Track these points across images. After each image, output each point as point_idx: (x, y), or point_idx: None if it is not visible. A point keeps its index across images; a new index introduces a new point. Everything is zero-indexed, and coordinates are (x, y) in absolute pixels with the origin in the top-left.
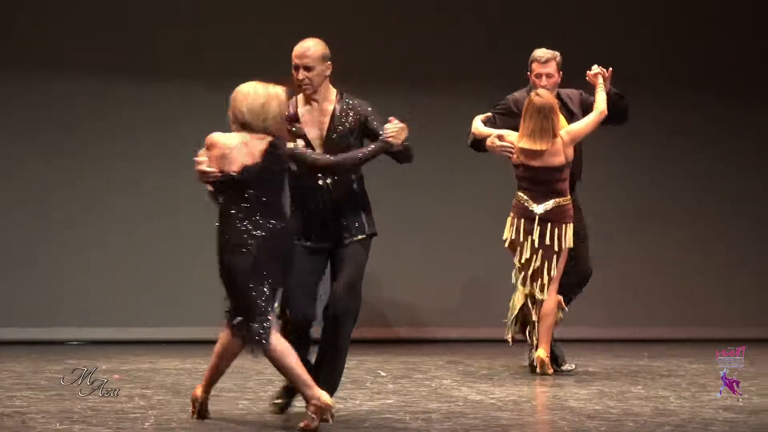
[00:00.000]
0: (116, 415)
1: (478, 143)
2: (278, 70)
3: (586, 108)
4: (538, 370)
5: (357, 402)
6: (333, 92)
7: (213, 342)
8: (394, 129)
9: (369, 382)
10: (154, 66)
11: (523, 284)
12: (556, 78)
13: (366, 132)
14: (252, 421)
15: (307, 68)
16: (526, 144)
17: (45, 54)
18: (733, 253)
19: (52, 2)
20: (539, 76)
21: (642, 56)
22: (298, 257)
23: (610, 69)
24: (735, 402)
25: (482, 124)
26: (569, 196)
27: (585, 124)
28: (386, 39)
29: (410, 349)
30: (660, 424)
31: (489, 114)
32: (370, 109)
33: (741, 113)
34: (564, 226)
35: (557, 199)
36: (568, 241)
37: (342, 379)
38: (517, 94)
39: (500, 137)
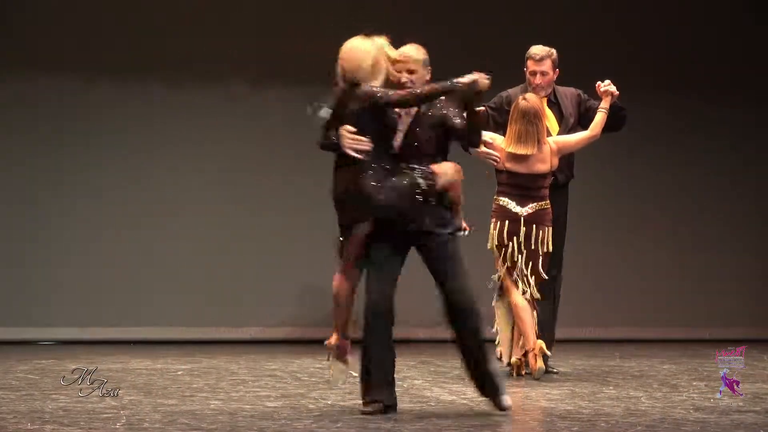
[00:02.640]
0: (88, 415)
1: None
2: (264, 68)
3: (586, 111)
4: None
5: (329, 402)
6: None
7: (184, 342)
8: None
9: (341, 382)
10: (142, 65)
11: (507, 288)
12: (552, 76)
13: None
14: (224, 421)
15: (411, 72)
16: (511, 148)
17: (31, 53)
18: (705, 254)
19: (34, 1)
20: (534, 73)
21: (628, 57)
22: None
23: (617, 93)
24: (705, 402)
25: None
26: (549, 201)
27: (576, 140)
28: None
29: None
30: (632, 424)
31: (482, 108)
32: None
33: (727, 114)
34: (546, 229)
35: (539, 203)
36: (549, 244)
37: (314, 379)
38: (511, 91)
39: (486, 143)
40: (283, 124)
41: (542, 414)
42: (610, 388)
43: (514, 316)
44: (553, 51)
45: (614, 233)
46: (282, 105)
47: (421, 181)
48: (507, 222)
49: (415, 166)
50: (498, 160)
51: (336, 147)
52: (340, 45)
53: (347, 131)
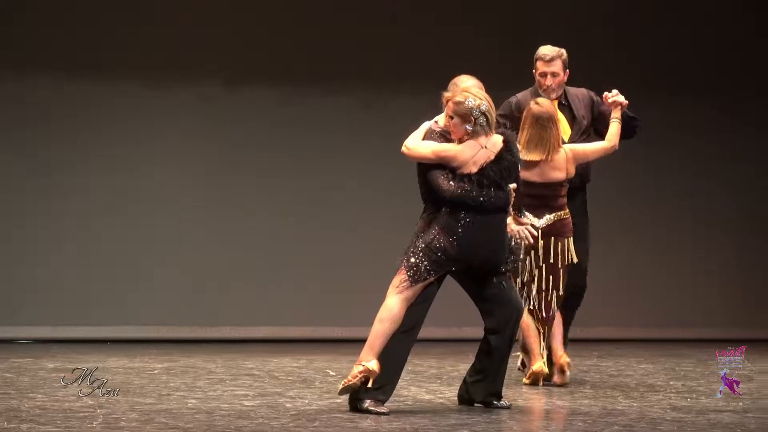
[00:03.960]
0: (64, 414)
1: None
2: (239, 68)
3: (598, 114)
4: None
5: (306, 401)
6: None
7: (161, 341)
8: None
9: (318, 382)
10: (118, 65)
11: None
12: (562, 77)
13: None
14: (201, 420)
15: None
16: (523, 155)
17: (9, 52)
18: (682, 254)
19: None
20: (544, 75)
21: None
22: None
23: (626, 103)
24: (682, 402)
25: None
26: (568, 210)
27: (592, 150)
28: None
29: (359, 348)
30: (609, 423)
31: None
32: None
33: (703, 114)
34: (566, 240)
35: (557, 213)
36: (572, 255)
37: (291, 378)
38: (520, 96)
39: None
40: (259, 125)
41: (519, 413)
42: (588, 387)
43: (523, 330)
44: (563, 51)
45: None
46: (257, 105)
47: None
48: None
49: None
50: None
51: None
52: (316, 45)
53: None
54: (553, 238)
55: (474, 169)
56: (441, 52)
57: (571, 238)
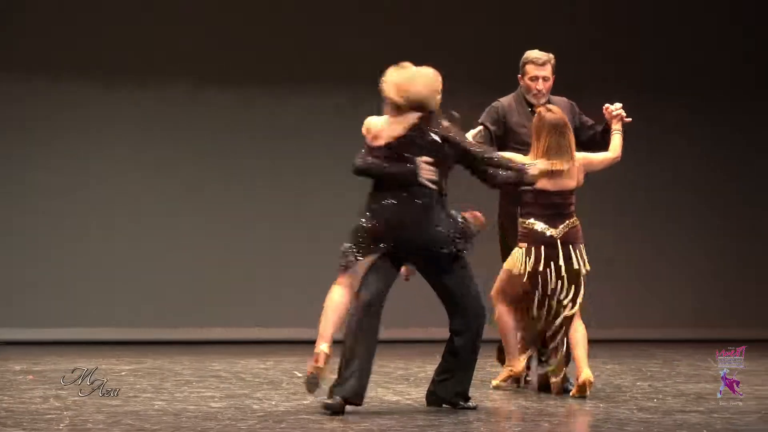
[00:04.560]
0: (31, 416)
1: None
2: (206, 69)
3: (580, 124)
4: (587, 391)
5: (273, 403)
6: None
7: (128, 342)
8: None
9: (285, 383)
10: (80, 66)
11: (539, 314)
12: (551, 82)
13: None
14: (168, 422)
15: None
16: (545, 164)
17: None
18: (650, 254)
19: None
20: (535, 79)
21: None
22: None
23: (628, 120)
24: (649, 402)
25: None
26: (576, 218)
27: (600, 160)
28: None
29: None
30: (575, 424)
31: (480, 129)
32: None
33: (675, 116)
34: (581, 246)
35: (570, 221)
36: (587, 263)
37: (258, 379)
38: (503, 101)
39: None
40: (224, 126)
41: (486, 414)
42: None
43: (501, 329)
44: (552, 55)
45: None
46: (222, 107)
47: None
48: (543, 247)
49: None
50: None
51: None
52: (283, 46)
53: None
54: (570, 246)
55: (382, 143)
56: (414, 53)
57: (584, 245)
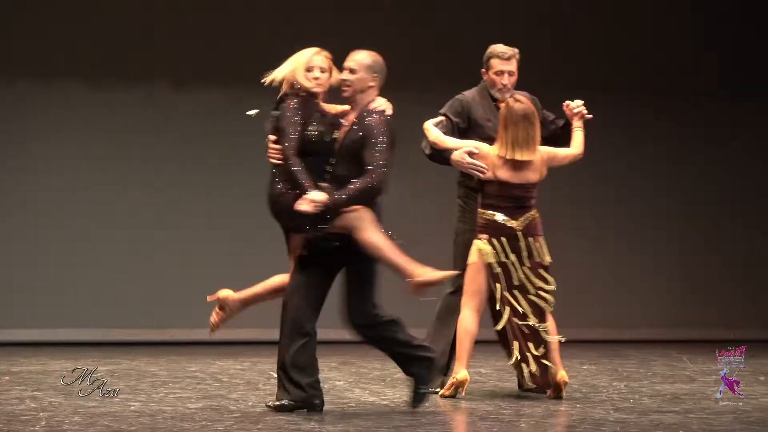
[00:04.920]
0: (7, 417)
1: (440, 155)
2: (187, 69)
3: (542, 119)
4: (563, 393)
5: (250, 403)
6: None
7: (104, 343)
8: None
9: (262, 384)
10: (63, 65)
11: (505, 307)
12: (516, 77)
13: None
14: (144, 423)
15: (351, 71)
16: (510, 155)
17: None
18: (626, 255)
19: None
20: (500, 73)
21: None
22: None
23: (589, 117)
24: (625, 403)
25: (440, 132)
26: (536, 210)
27: (563, 155)
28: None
29: None
30: (552, 424)
31: (441, 118)
32: (377, 133)
33: (646, 116)
34: (541, 239)
35: (530, 213)
36: (546, 254)
37: (235, 380)
38: (467, 94)
39: (470, 153)
40: (206, 125)
41: (463, 414)
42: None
43: (458, 334)
44: (517, 50)
45: None
46: (204, 106)
47: None
48: (504, 238)
49: None
50: (485, 171)
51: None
52: (264, 45)
53: None
54: (531, 238)
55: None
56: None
57: (543, 238)
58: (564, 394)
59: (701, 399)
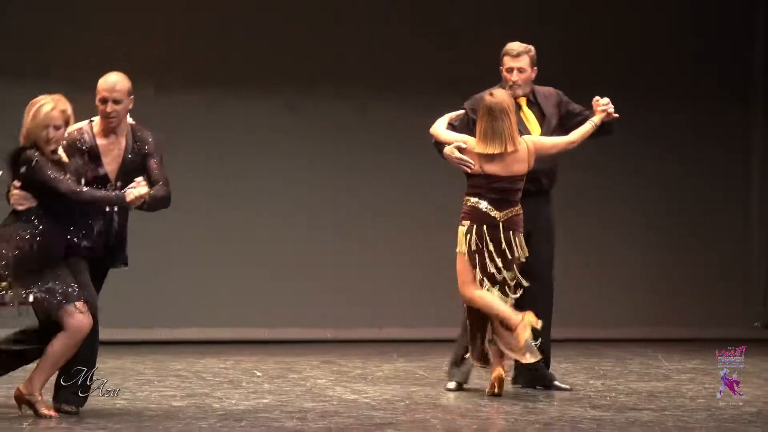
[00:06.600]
0: None
1: (440, 147)
2: (171, 71)
3: (566, 113)
4: (497, 390)
5: (233, 402)
6: (127, 126)
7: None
8: (136, 193)
9: (245, 382)
10: (42, 66)
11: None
12: (529, 73)
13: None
14: (130, 421)
15: (116, 102)
16: (479, 148)
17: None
18: (600, 254)
19: None
20: (510, 70)
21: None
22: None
23: (616, 116)
24: (602, 400)
25: (443, 127)
26: (520, 205)
27: (552, 143)
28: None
29: (285, 349)
30: (530, 422)
31: (461, 111)
32: (152, 143)
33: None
34: (521, 235)
35: (513, 208)
36: (526, 250)
37: (219, 379)
38: (489, 91)
39: (459, 148)
40: (186, 128)
41: (443, 412)
42: (509, 386)
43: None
44: (532, 48)
45: None
46: (185, 108)
47: None
48: (485, 226)
49: None
50: (472, 165)
51: None
52: (248, 48)
53: None
54: (511, 232)
55: None
56: (368, 55)
57: (522, 234)
58: (499, 391)
59: (676, 397)
